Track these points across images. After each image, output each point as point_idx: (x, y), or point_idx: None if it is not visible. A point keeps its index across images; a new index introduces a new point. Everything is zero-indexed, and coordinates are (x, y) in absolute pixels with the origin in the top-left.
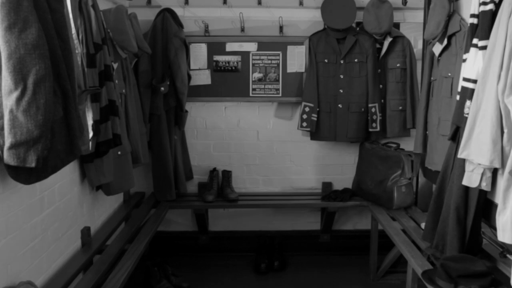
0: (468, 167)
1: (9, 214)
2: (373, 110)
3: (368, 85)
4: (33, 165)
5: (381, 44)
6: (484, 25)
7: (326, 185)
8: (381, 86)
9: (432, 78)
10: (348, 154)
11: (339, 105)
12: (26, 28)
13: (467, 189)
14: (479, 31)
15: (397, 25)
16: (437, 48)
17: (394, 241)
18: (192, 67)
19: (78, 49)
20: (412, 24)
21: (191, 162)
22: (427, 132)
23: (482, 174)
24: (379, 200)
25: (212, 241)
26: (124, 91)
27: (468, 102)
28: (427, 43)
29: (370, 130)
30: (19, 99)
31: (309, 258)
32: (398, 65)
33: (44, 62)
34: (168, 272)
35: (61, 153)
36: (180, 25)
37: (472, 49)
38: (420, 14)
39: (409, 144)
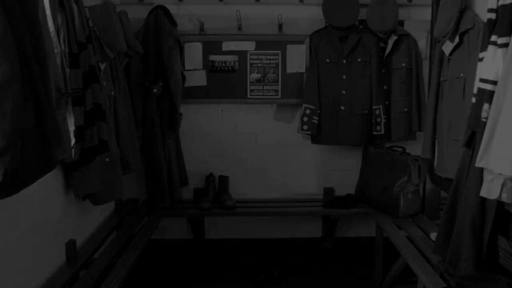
0: (486, 177)
1: None
2: (377, 112)
3: (372, 86)
4: None
5: (386, 42)
6: (505, 20)
7: (328, 191)
8: (385, 87)
9: (441, 79)
10: (351, 158)
11: (342, 107)
12: None
13: (483, 200)
14: (498, 27)
15: (401, 23)
16: (448, 47)
17: (403, 253)
18: (186, 67)
19: (58, 48)
20: (418, 22)
21: (186, 167)
22: (436, 136)
23: (503, 185)
24: (384, 207)
25: (209, 249)
26: (113, 93)
27: (486, 105)
28: (435, 41)
29: (374, 133)
30: None
31: (310, 267)
32: (403, 64)
33: (11, 63)
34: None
35: (34, 165)
36: (174, 23)
37: (490, 47)
38: (426, 11)
39: (415, 148)
